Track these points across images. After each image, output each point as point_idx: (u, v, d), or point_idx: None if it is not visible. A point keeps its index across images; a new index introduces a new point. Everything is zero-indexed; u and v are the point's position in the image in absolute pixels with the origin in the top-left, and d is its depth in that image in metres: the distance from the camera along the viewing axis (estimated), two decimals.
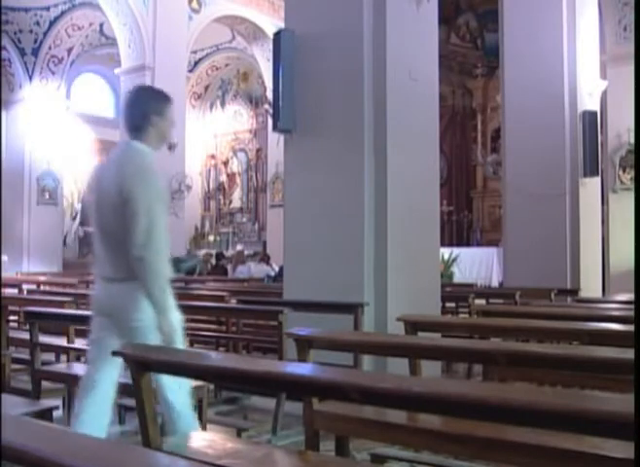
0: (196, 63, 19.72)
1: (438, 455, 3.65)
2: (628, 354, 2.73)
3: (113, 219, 3.49)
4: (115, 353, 2.97)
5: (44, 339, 5.44)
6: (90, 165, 19.79)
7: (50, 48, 16.55)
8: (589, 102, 10.06)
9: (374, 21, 6.31)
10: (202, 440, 3.25)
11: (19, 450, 1.59)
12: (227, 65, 20.68)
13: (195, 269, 14.48)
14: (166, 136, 3.85)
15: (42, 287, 10.94)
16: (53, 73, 16.74)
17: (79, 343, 5.78)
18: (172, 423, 3.51)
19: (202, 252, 17.71)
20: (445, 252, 13.66)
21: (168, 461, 1.56)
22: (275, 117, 6.74)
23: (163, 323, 3.41)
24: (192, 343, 7.48)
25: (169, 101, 3.78)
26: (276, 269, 13.47)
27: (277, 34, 6.80)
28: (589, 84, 10.14)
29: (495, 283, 14.71)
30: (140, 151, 3.67)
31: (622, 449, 2.25)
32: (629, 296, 7.33)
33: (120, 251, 3.47)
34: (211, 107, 21.67)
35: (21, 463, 1.58)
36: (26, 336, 5.24)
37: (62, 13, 16.18)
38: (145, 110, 3.67)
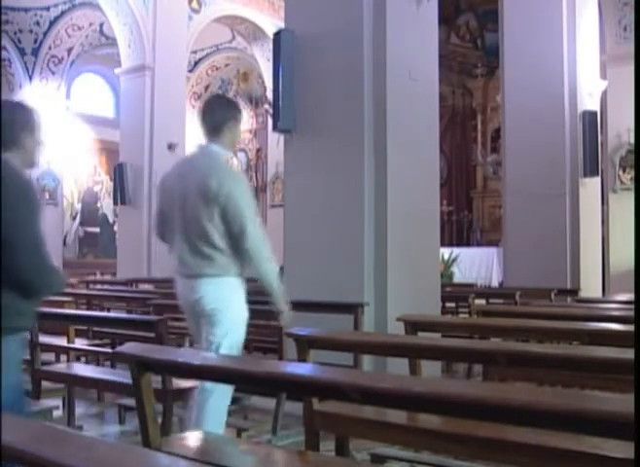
0: (196, 63, 19.72)
1: (438, 455, 3.65)
2: (628, 354, 2.73)
3: (203, 219, 3.76)
4: (115, 353, 2.97)
5: (44, 339, 5.44)
6: (91, 165, 19.83)
7: (50, 48, 16.54)
8: (589, 102, 10.06)
9: (374, 21, 6.31)
10: (202, 440, 3.25)
11: (19, 450, 1.59)
12: (227, 65, 20.68)
13: None
14: (238, 140, 4.19)
15: None
16: (53, 73, 16.74)
17: (79, 343, 5.79)
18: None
19: None
20: (445, 252, 13.66)
21: (168, 461, 1.56)
22: (275, 117, 6.74)
23: (279, 303, 3.98)
24: (191, 343, 7.49)
25: (241, 110, 4.18)
26: (276, 268, 13.45)
27: (277, 34, 6.80)
28: (589, 84, 10.14)
29: (495, 283, 14.71)
30: (220, 153, 3.96)
31: (622, 450, 2.25)
32: (629, 296, 7.34)
33: (205, 248, 3.78)
34: None
35: (21, 463, 1.58)
36: (26, 335, 5.23)
37: (62, 13, 16.17)
38: (225, 115, 3.98)
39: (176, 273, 3.99)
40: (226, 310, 3.84)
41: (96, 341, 6.83)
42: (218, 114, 4.01)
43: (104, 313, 7.74)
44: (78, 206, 19.71)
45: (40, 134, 3.10)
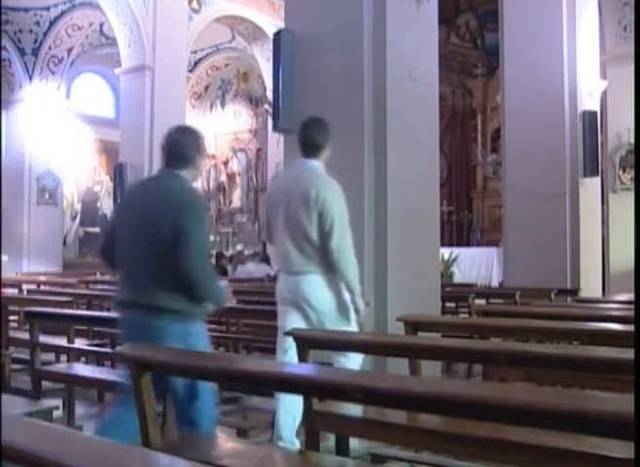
0: (196, 63, 19.72)
1: (438, 455, 3.65)
2: (628, 354, 2.73)
3: (305, 222, 4.28)
4: (115, 353, 2.98)
5: (44, 339, 5.44)
6: (91, 165, 19.83)
7: (50, 48, 16.54)
8: (589, 102, 10.06)
9: (374, 21, 6.31)
10: (203, 439, 3.25)
11: (19, 450, 1.59)
12: (227, 65, 20.68)
13: None
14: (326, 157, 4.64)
15: (42, 287, 10.93)
16: (53, 73, 16.74)
17: (79, 343, 5.79)
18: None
19: None
20: (445, 252, 13.64)
21: (168, 461, 1.56)
22: (275, 117, 6.74)
23: (358, 302, 4.34)
24: None
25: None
26: (276, 269, 13.45)
27: (277, 34, 6.80)
28: (589, 84, 10.13)
29: (495, 283, 14.70)
30: (318, 167, 4.51)
31: (622, 450, 2.25)
32: (629, 296, 7.33)
33: (308, 249, 4.29)
34: (211, 107, 21.67)
35: (21, 463, 1.58)
36: (26, 336, 5.24)
37: (62, 13, 16.17)
38: (325, 137, 4.58)
39: (280, 271, 4.54)
40: (330, 303, 4.33)
41: (96, 341, 6.83)
42: (319, 136, 4.59)
43: (104, 313, 7.73)
44: (78, 206, 19.73)
45: (205, 154, 3.84)
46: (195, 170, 3.70)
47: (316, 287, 4.31)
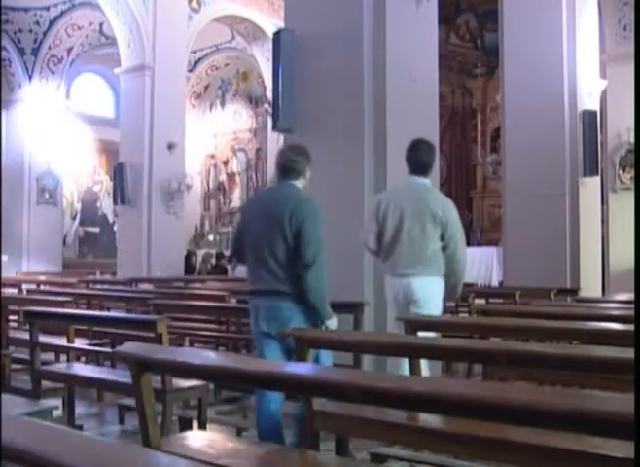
0: (196, 63, 19.72)
1: (438, 455, 3.65)
2: (628, 354, 2.73)
3: (418, 229, 4.94)
4: (115, 353, 2.97)
5: (44, 338, 5.44)
6: (90, 165, 19.82)
7: (49, 47, 16.54)
8: (589, 102, 10.05)
9: (374, 21, 6.32)
10: (202, 439, 3.25)
11: (19, 450, 1.59)
12: (226, 65, 20.67)
13: None
14: None
15: (42, 287, 10.93)
16: (53, 73, 16.74)
17: (79, 343, 5.79)
18: None
19: (202, 252, 17.73)
20: None
21: (168, 461, 1.56)
22: (275, 116, 6.74)
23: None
24: (192, 343, 7.49)
25: None
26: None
27: (277, 34, 6.80)
28: (589, 83, 10.13)
29: (495, 283, 14.70)
30: (428, 184, 5.11)
31: (622, 449, 2.25)
32: (629, 295, 7.33)
33: (420, 250, 4.96)
34: (211, 107, 21.66)
35: (21, 463, 1.58)
36: (26, 335, 5.24)
37: (62, 12, 16.18)
38: (432, 158, 5.09)
39: (389, 273, 5.16)
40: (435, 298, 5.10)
41: (96, 341, 6.82)
42: (428, 156, 5.09)
43: (104, 313, 7.74)
44: (78, 206, 19.72)
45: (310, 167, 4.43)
46: (304, 180, 4.39)
47: (425, 287, 5.01)
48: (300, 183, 4.36)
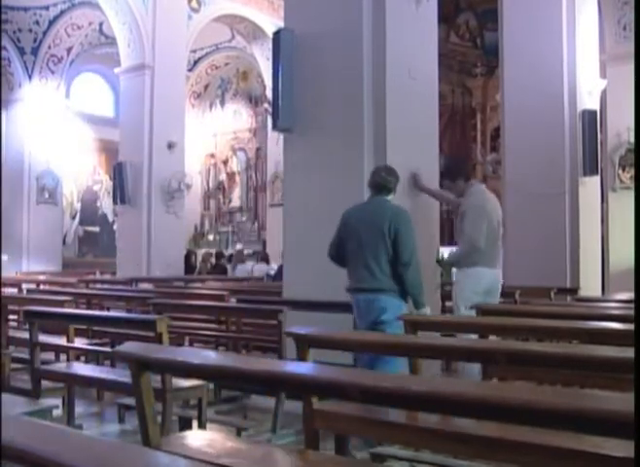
0: (196, 62, 19.72)
1: (438, 454, 3.65)
2: (628, 353, 2.73)
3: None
4: (114, 352, 2.97)
5: (43, 338, 5.44)
6: (90, 164, 19.82)
7: (49, 47, 16.54)
8: (589, 101, 10.05)
9: (374, 20, 6.31)
10: (202, 439, 3.25)
11: (19, 450, 1.59)
12: (226, 64, 20.67)
13: None
14: None
15: (41, 286, 10.94)
16: (53, 72, 16.74)
17: (78, 343, 5.79)
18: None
19: (202, 251, 17.73)
20: (445, 251, 13.61)
21: (168, 460, 1.56)
22: (275, 116, 6.73)
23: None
24: (191, 343, 7.49)
25: None
26: (276, 268, 13.46)
27: (277, 33, 6.80)
28: (589, 83, 10.13)
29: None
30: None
31: (622, 449, 2.24)
32: (629, 295, 7.33)
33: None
34: (211, 106, 21.66)
35: (21, 462, 1.58)
36: (26, 335, 5.24)
37: (62, 12, 16.17)
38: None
39: (488, 265, 6.19)
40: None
41: (96, 341, 6.82)
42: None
43: (104, 313, 7.74)
44: (77, 205, 19.72)
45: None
46: (393, 195, 5.33)
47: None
48: (390, 197, 5.29)
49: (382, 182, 5.27)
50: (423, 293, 5.14)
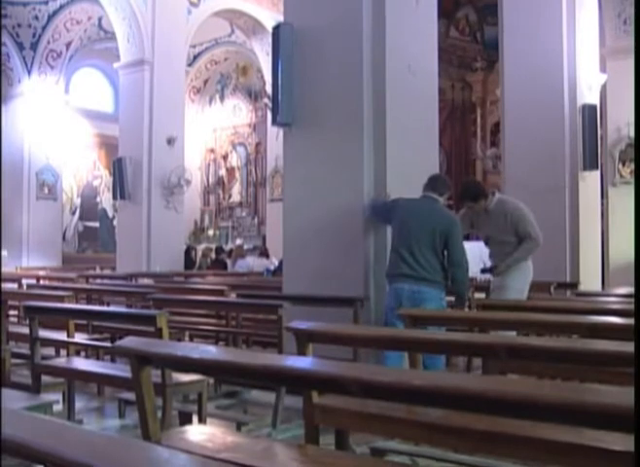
0: (195, 57, 19.68)
1: (437, 448, 3.65)
2: (628, 347, 2.73)
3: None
4: (115, 347, 2.97)
5: (43, 333, 5.44)
6: (90, 160, 19.82)
7: (48, 42, 16.50)
8: (589, 96, 10.04)
9: (374, 15, 6.30)
10: (202, 433, 3.25)
11: (19, 444, 1.59)
12: (226, 59, 20.64)
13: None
14: None
15: (41, 282, 10.94)
16: (52, 67, 16.71)
17: (79, 338, 5.79)
18: None
19: (202, 246, 17.73)
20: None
21: (168, 455, 1.56)
22: (274, 111, 6.72)
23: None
24: (191, 338, 7.50)
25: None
26: (276, 263, 13.47)
27: (276, 28, 6.78)
28: (589, 77, 10.11)
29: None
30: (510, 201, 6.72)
31: (622, 442, 2.25)
32: (629, 289, 7.34)
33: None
34: (210, 101, 21.64)
35: (22, 457, 1.58)
36: (26, 330, 5.24)
37: (61, 7, 16.13)
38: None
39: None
40: None
41: (96, 336, 6.83)
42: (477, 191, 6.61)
43: (104, 308, 7.74)
44: (77, 201, 19.72)
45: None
46: (444, 197, 5.85)
47: None
48: (441, 198, 5.78)
49: (439, 188, 5.79)
50: (468, 291, 5.89)
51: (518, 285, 6.52)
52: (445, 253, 5.57)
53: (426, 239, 5.49)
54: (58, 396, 5.20)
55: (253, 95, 20.65)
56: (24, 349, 5.66)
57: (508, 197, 7.15)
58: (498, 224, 6.61)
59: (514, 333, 4.69)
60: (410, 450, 3.85)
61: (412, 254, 5.49)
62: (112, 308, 7.64)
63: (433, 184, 5.79)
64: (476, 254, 8.56)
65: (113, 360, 6.83)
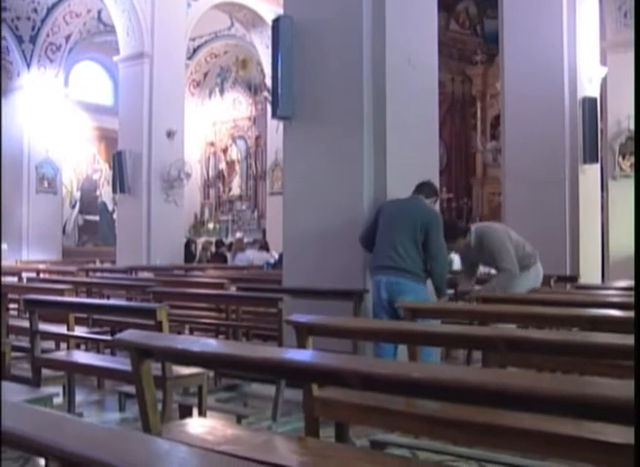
0: (195, 51, 19.65)
1: (437, 441, 3.66)
2: (628, 340, 2.73)
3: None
4: (115, 340, 2.97)
5: (44, 326, 5.45)
6: (89, 153, 19.81)
7: (48, 35, 16.47)
8: (589, 89, 10.03)
9: (373, 8, 6.28)
10: (202, 426, 3.26)
11: (20, 437, 1.59)
12: (225, 52, 20.61)
13: None
14: None
15: (41, 275, 10.94)
16: (52, 61, 16.68)
17: (79, 331, 5.80)
18: None
19: (202, 240, 17.73)
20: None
21: (168, 447, 1.56)
22: (274, 104, 6.72)
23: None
24: (191, 331, 7.51)
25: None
26: (276, 256, 13.46)
27: (276, 21, 6.77)
28: (589, 70, 10.10)
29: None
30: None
31: (621, 435, 2.25)
32: (629, 282, 7.34)
33: None
34: (210, 94, 21.61)
35: (22, 449, 1.59)
36: (26, 324, 5.24)
37: (60, 0, 16.10)
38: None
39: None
40: None
41: (96, 329, 6.83)
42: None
43: (104, 301, 7.75)
44: (77, 194, 19.72)
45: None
46: (429, 200, 5.93)
47: None
48: (427, 200, 5.88)
49: (424, 190, 5.93)
50: (445, 283, 5.74)
51: (528, 284, 6.58)
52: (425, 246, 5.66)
53: (408, 232, 5.58)
54: (59, 389, 5.21)
55: (253, 89, 20.63)
56: (24, 343, 5.67)
57: (484, 226, 7.00)
58: (482, 257, 6.77)
59: (513, 325, 4.69)
60: (410, 443, 3.86)
61: (394, 246, 5.58)
62: (112, 302, 7.64)
63: (420, 188, 5.92)
64: None
65: (113, 353, 6.84)
